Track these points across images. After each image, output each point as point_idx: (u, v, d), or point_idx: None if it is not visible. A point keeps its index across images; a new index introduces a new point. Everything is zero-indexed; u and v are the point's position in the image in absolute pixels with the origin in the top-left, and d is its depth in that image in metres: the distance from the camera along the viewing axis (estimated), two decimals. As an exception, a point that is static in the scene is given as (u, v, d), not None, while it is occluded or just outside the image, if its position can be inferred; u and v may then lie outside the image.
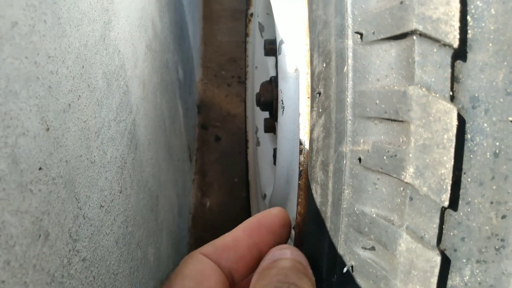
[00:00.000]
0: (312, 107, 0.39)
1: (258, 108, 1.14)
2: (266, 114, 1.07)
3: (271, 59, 1.01)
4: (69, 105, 0.43)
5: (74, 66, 0.45)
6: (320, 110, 0.37)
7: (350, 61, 0.32)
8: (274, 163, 0.83)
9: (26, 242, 0.33)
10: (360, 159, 0.32)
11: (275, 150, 0.82)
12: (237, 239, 0.38)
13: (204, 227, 1.45)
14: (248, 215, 1.29)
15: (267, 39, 0.94)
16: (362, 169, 0.32)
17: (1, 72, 0.31)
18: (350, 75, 0.32)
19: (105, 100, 0.56)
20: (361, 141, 0.32)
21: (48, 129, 0.38)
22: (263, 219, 0.35)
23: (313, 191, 0.39)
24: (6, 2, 0.32)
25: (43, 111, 0.37)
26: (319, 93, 0.36)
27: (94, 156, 0.50)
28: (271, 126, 1.01)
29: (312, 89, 0.39)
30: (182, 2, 1.57)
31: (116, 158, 0.60)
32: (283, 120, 0.65)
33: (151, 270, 0.80)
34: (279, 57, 0.65)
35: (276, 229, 0.37)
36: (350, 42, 0.32)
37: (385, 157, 0.30)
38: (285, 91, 0.64)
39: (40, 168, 0.36)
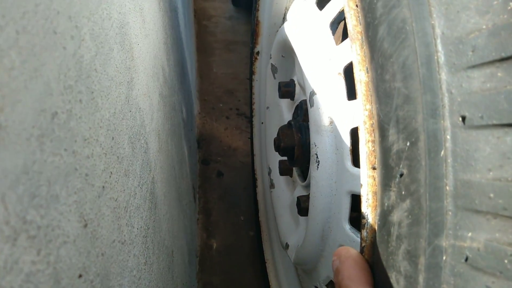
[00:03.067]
0: (386, 185, 0.35)
1: (271, 149, 1.10)
2: (280, 156, 1.03)
3: (285, 102, 0.98)
4: (103, 187, 0.38)
5: (106, 141, 0.40)
6: (403, 193, 0.32)
7: (448, 145, 0.28)
8: (299, 212, 0.78)
9: None
10: (467, 258, 0.27)
11: (299, 200, 0.78)
12: None
13: (212, 271, 1.37)
14: (261, 257, 1.23)
15: (283, 82, 0.91)
16: (469, 269, 0.28)
17: (43, 178, 0.26)
18: (450, 160, 0.28)
19: (131, 167, 0.50)
20: (468, 236, 0.27)
21: (86, 225, 0.33)
22: None
23: (392, 280, 0.35)
24: (46, 92, 0.27)
25: (81, 205, 0.32)
26: (401, 174, 0.32)
27: (124, 235, 0.45)
28: (287, 169, 0.97)
29: (387, 166, 0.34)
30: (182, 38, 1.54)
31: (141, 227, 0.54)
32: (319, 175, 0.61)
33: None
34: (311, 109, 0.61)
35: None
36: (447, 124, 0.28)
37: (506, 261, 0.26)
38: (320, 145, 0.60)
39: (80, 276, 0.31)
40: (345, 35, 0.82)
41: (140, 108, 0.60)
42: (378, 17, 0.35)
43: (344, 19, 0.50)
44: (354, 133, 0.57)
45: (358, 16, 0.41)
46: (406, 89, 0.31)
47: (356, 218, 0.65)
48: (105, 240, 0.37)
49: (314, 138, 0.61)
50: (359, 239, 0.58)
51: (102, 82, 0.40)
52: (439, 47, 0.29)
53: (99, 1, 0.43)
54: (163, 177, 0.79)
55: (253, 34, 1.17)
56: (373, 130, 0.39)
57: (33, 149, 0.25)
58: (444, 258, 0.29)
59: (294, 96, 0.91)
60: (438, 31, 0.29)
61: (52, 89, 0.28)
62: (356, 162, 0.57)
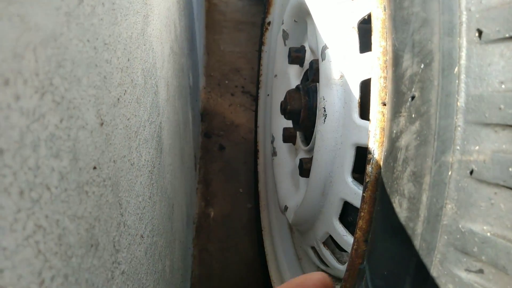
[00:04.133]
0: (396, 112, 0.36)
1: (276, 117, 1.10)
2: (284, 123, 1.04)
3: (293, 68, 0.98)
4: (118, 99, 0.39)
5: (123, 58, 0.41)
6: (413, 116, 0.33)
7: (462, 61, 0.29)
8: (301, 173, 0.79)
9: (81, 253, 0.28)
10: (472, 171, 0.28)
11: (301, 161, 0.78)
12: None
13: (208, 238, 1.39)
14: (258, 226, 1.24)
15: (293, 47, 0.91)
16: (473, 182, 0.29)
17: (68, 53, 0.26)
18: (463, 77, 0.29)
19: (143, 99, 0.51)
20: (475, 150, 0.28)
21: (102, 124, 0.33)
22: (305, 283, 0.30)
23: (395, 205, 0.36)
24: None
25: (99, 103, 0.33)
26: (413, 97, 0.33)
27: (134, 158, 0.46)
28: (291, 136, 0.97)
29: (399, 93, 0.35)
30: (193, 9, 1.54)
31: (148, 161, 0.55)
32: (325, 129, 0.62)
33: (167, 284, 0.74)
34: (322, 63, 0.62)
35: None
36: (463, 41, 0.29)
37: (511, 169, 0.26)
38: (328, 98, 0.61)
39: (94, 168, 0.31)
40: None
41: (153, 48, 0.60)
42: None
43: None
44: (364, 85, 0.57)
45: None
46: (424, 12, 0.32)
47: (357, 178, 0.66)
48: (117, 150, 0.38)
49: (323, 91, 0.62)
50: (360, 191, 0.59)
51: (122, 0, 0.41)
52: (462, -34, 0.29)
53: None
54: (169, 129, 0.80)
55: (266, 3, 1.16)
56: (386, 66, 0.40)
57: (61, 21, 0.25)
58: (449, 173, 0.30)
59: (303, 63, 0.91)
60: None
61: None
62: (363, 115, 0.58)
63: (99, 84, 0.33)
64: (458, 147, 0.29)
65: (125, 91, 0.42)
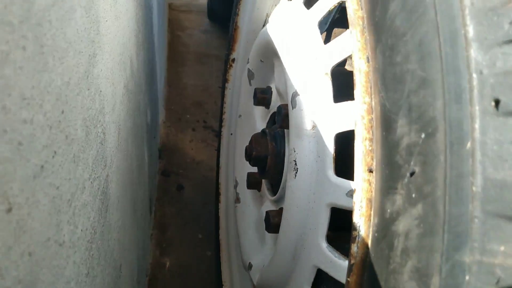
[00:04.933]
0: (391, 187, 0.30)
1: (240, 160, 1.03)
2: (249, 167, 0.97)
3: (259, 109, 0.93)
4: (42, 167, 0.30)
5: (53, 112, 0.32)
6: (413, 196, 0.27)
7: (476, 135, 0.24)
8: (267, 228, 0.72)
9: None
10: (498, 280, 0.22)
11: (268, 214, 0.71)
12: None
13: (163, 292, 1.26)
14: (218, 280, 1.13)
15: (259, 88, 0.86)
16: (499, 292, 0.23)
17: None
18: (478, 155, 0.23)
19: (82, 155, 0.42)
20: (500, 251, 0.22)
21: (10, 210, 0.24)
22: None
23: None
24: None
25: (6, 182, 0.24)
26: (412, 173, 0.27)
27: (64, 235, 0.36)
28: (256, 182, 0.90)
29: (393, 164, 0.29)
30: (154, 41, 1.47)
31: (87, 230, 0.45)
32: (296, 185, 0.55)
33: None
34: (293, 111, 0.56)
35: None
36: (475, 110, 0.24)
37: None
38: (299, 151, 0.55)
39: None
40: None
41: (101, 91, 0.52)
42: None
43: (340, 9, 0.46)
44: (339, 139, 0.52)
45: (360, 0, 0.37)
46: (423, 71, 0.27)
47: (332, 237, 0.60)
48: (36, 236, 0.29)
49: (293, 143, 0.56)
50: (337, 259, 0.52)
51: (56, 40, 0.33)
52: (468, 20, 0.25)
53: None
54: (119, 178, 0.70)
55: (230, 40, 1.12)
56: (372, 126, 0.34)
57: None
58: (466, 278, 0.24)
59: (269, 104, 0.86)
60: (466, 2, 0.25)
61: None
62: (339, 172, 0.52)
63: (8, 155, 0.24)
64: (476, 244, 0.23)
65: (55, 152, 0.33)
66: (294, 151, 0.56)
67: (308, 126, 0.54)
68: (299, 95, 0.55)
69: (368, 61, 0.35)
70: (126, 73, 0.76)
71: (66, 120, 0.36)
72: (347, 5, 0.37)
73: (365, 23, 0.36)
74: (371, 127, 0.35)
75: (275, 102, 0.85)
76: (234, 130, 1.11)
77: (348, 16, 0.37)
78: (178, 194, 1.60)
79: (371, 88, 0.35)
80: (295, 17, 0.63)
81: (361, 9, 0.37)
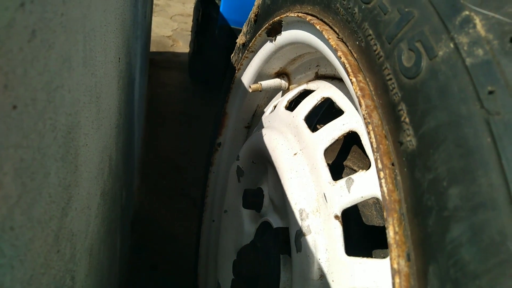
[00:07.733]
0: None
1: (223, 261, 0.94)
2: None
3: (248, 211, 0.85)
4: None
5: None
6: None
7: None
8: None
9: None
10: None
11: None
12: None
13: None
14: None
15: (250, 190, 0.80)
16: None
17: None
18: None
19: None
20: None
21: None
22: None
23: None
24: None
25: None
26: None
27: None
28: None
29: None
30: (134, 111, 1.40)
31: None
32: None
33: None
34: (297, 255, 0.50)
35: None
36: None
37: None
38: (305, 303, 0.47)
39: None
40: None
41: (73, 240, 0.44)
42: (453, 209, 0.25)
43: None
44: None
45: (395, 176, 0.32)
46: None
47: None
48: None
49: (298, 291, 0.48)
50: None
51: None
52: None
53: (43, 110, 0.30)
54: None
55: (218, 124, 1.07)
56: None
57: None
58: None
59: (261, 209, 0.80)
60: None
61: None
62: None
63: None
64: None
65: None
66: (298, 301, 0.48)
67: (315, 276, 0.47)
68: (305, 236, 0.49)
69: (408, 259, 0.30)
70: (104, 177, 0.68)
71: None
72: (380, 182, 0.32)
73: (405, 210, 0.30)
74: None
75: (267, 208, 0.78)
76: (219, 221, 1.03)
77: (382, 199, 0.31)
78: (150, 276, 1.46)
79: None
80: (301, 137, 0.59)
81: (397, 189, 0.31)
